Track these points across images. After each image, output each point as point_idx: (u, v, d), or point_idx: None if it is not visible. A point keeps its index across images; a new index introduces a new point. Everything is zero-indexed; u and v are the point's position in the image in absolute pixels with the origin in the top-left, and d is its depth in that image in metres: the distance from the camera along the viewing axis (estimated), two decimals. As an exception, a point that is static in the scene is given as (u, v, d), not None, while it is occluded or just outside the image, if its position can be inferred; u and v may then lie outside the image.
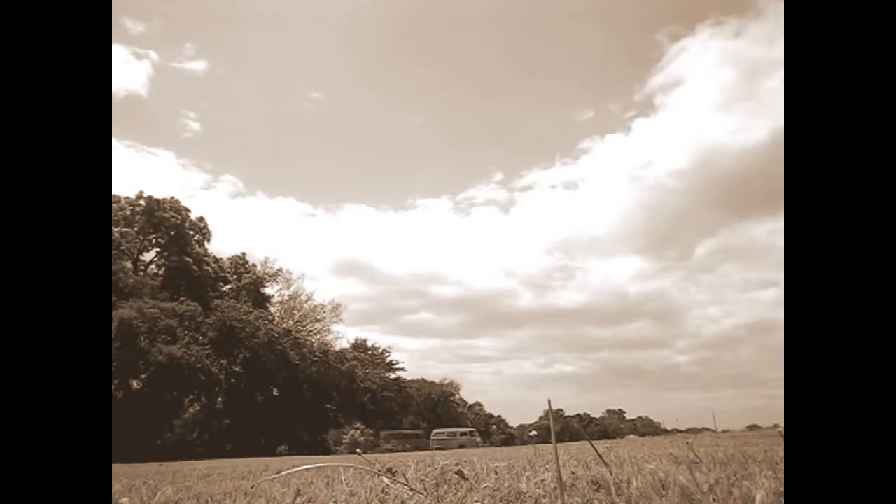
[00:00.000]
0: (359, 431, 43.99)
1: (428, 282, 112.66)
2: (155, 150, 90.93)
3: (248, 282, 47.39)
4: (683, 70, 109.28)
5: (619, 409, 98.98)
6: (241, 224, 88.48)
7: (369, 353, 61.02)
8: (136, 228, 41.41)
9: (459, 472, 2.83)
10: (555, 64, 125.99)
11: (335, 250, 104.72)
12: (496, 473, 3.12)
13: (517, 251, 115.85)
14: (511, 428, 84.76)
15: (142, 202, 41.60)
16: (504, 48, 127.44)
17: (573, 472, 2.90)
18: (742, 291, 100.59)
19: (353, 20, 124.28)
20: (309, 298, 53.19)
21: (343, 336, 60.98)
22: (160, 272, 42.25)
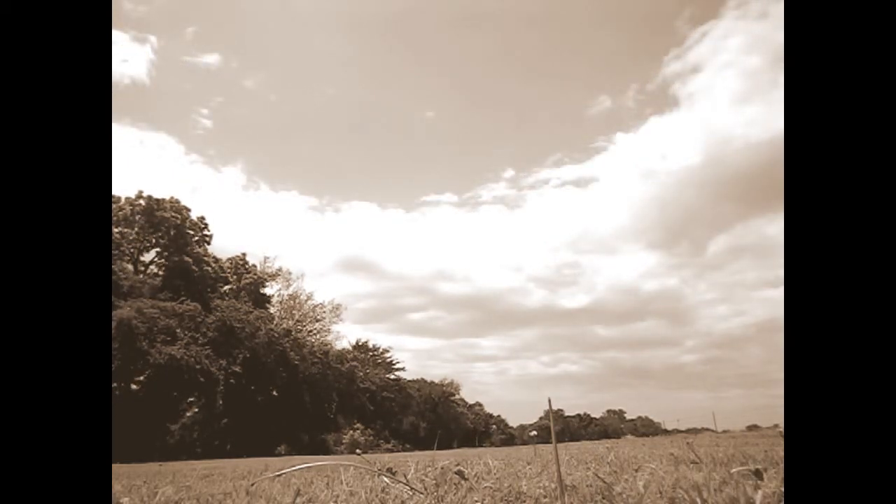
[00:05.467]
0: (358, 431, 43.99)
1: (436, 279, 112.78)
2: (161, 143, 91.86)
3: (247, 282, 47.38)
4: (699, 62, 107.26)
5: (620, 409, 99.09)
6: (245, 219, 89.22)
7: (370, 353, 61.02)
8: (136, 229, 41.40)
9: (459, 472, 2.83)
10: (568, 59, 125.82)
11: (341, 247, 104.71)
12: (496, 473, 3.12)
13: (527, 248, 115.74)
14: (511, 428, 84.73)
15: (142, 202, 41.59)
16: (518, 43, 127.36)
17: (569, 473, 2.90)
18: (753, 289, 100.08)
19: (366, 15, 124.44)
20: (309, 298, 53.23)
21: (343, 336, 61.00)
22: (160, 272, 42.23)
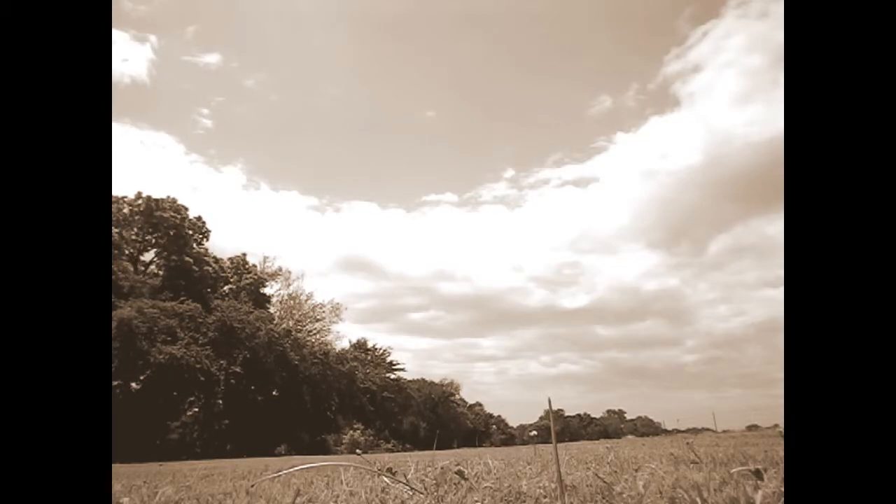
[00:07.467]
0: (358, 432, 43.98)
1: (436, 279, 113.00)
2: (161, 143, 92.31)
3: (248, 282, 47.37)
4: (700, 61, 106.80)
5: (620, 409, 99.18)
6: (245, 219, 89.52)
7: (370, 353, 61.01)
8: (135, 229, 41.40)
9: (459, 472, 2.83)
10: (568, 59, 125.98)
11: (341, 247, 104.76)
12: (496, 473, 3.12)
13: (527, 248, 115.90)
14: (511, 428, 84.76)
15: (140, 202, 41.58)
16: (518, 43, 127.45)
17: (569, 473, 2.90)
18: (753, 289, 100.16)
19: (366, 15, 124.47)
20: (308, 298, 53.19)
21: (343, 336, 60.99)
22: (160, 272, 42.23)
